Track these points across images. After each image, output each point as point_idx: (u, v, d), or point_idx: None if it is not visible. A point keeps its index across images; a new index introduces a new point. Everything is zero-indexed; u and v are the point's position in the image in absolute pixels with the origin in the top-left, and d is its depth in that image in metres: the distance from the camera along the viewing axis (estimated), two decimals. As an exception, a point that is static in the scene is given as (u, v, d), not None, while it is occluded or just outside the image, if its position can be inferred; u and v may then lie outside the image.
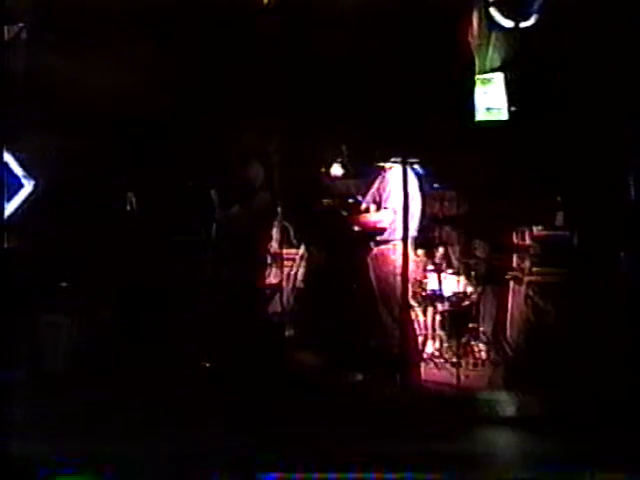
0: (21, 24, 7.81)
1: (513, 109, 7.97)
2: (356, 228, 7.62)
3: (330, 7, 7.75)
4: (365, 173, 7.97)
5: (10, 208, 7.35)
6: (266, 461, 5.27)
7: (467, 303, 8.52)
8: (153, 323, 7.65)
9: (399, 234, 7.26)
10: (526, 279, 7.78)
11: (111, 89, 7.70)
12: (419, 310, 8.50)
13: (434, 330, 8.56)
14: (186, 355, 7.50)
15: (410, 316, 7.66)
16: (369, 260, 7.45)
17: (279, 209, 8.50)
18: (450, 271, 8.58)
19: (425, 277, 8.54)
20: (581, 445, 5.63)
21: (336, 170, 8.60)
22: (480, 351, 8.37)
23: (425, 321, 8.60)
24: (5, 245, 6.31)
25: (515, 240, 8.13)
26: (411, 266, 7.40)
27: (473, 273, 8.55)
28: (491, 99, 8.01)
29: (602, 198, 7.48)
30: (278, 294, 8.35)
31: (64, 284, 7.85)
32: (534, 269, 7.74)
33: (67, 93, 7.65)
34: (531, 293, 7.67)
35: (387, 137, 7.68)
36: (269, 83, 7.98)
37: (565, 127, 7.53)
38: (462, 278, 8.52)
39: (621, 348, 6.96)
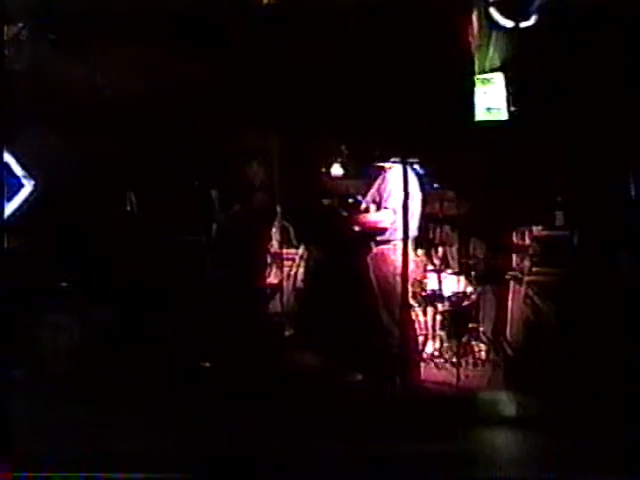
0: (21, 24, 7.82)
1: (513, 109, 7.97)
2: (356, 228, 7.62)
3: (330, 6, 7.75)
4: (365, 173, 7.98)
5: (10, 208, 7.34)
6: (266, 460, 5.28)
7: (467, 303, 8.52)
8: (153, 323, 7.65)
9: (399, 234, 7.26)
10: (526, 279, 7.77)
11: (111, 89, 7.71)
12: (419, 310, 8.50)
13: (434, 330, 8.56)
14: (186, 355, 7.50)
15: (410, 316, 7.65)
16: (369, 260, 7.45)
17: (279, 209, 8.50)
18: (450, 271, 8.59)
19: (425, 277, 8.53)
20: (581, 445, 5.63)
21: (336, 170, 8.62)
22: (480, 351, 8.37)
23: (425, 321, 8.59)
24: (5, 245, 6.30)
25: (515, 240, 8.15)
26: (411, 266, 7.40)
27: (473, 273, 8.55)
28: (491, 99, 8.00)
29: (602, 198, 7.48)
30: (278, 294, 8.36)
31: (64, 284, 7.85)
32: (534, 269, 7.73)
33: (67, 93, 7.65)
34: (531, 293, 7.66)
35: (387, 137, 7.69)
36: (269, 83, 7.98)
37: (565, 127, 7.54)
38: (462, 278, 8.53)
39: (621, 348, 6.96)
